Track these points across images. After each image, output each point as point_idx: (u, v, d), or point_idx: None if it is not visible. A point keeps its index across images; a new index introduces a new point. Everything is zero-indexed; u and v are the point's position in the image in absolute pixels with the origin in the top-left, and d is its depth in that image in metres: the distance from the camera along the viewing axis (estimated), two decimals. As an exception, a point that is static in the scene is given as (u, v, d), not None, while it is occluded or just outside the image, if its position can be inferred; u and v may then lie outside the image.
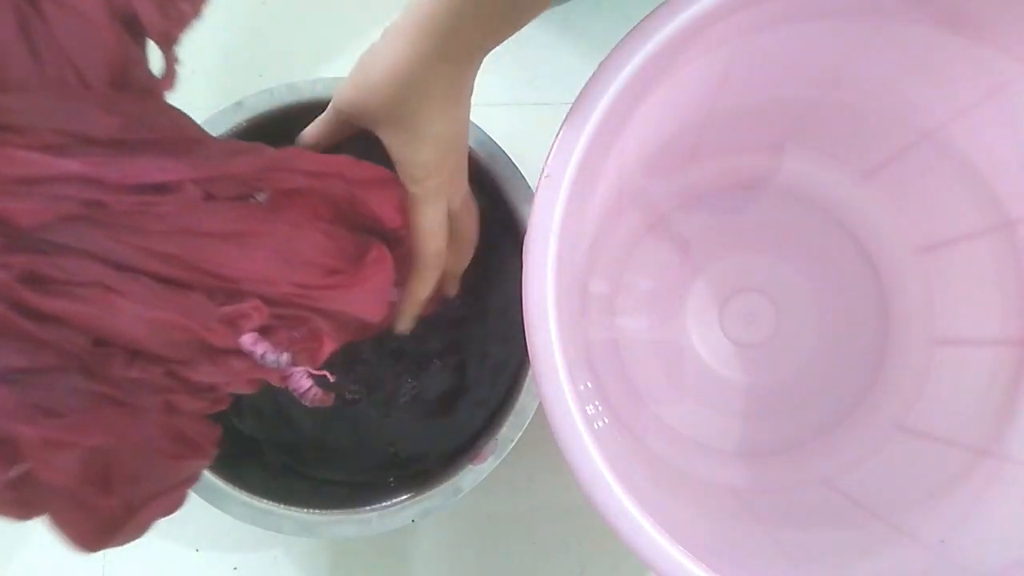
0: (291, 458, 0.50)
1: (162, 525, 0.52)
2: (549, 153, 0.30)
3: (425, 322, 0.43)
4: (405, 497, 0.44)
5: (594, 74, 0.30)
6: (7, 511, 0.25)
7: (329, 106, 0.34)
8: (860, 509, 0.42)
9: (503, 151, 0.45)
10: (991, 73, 0.35)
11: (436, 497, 0.44)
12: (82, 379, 0.24)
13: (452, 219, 0.37)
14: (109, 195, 0.24)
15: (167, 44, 0.27)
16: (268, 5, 0.57)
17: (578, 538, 0.52)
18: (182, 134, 0.27)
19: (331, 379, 0.31)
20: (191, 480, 0.30)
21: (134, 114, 0.25)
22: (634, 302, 0.51)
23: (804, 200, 0.50)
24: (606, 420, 0.44)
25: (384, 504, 0.44)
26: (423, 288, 0.38)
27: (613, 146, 0.34)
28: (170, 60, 0.27)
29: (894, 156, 0.45)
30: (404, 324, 0.40)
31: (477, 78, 0.56)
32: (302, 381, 0.30)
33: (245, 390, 0.29)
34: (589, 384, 0.45)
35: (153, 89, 0.27)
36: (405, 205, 0.34)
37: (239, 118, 0.44)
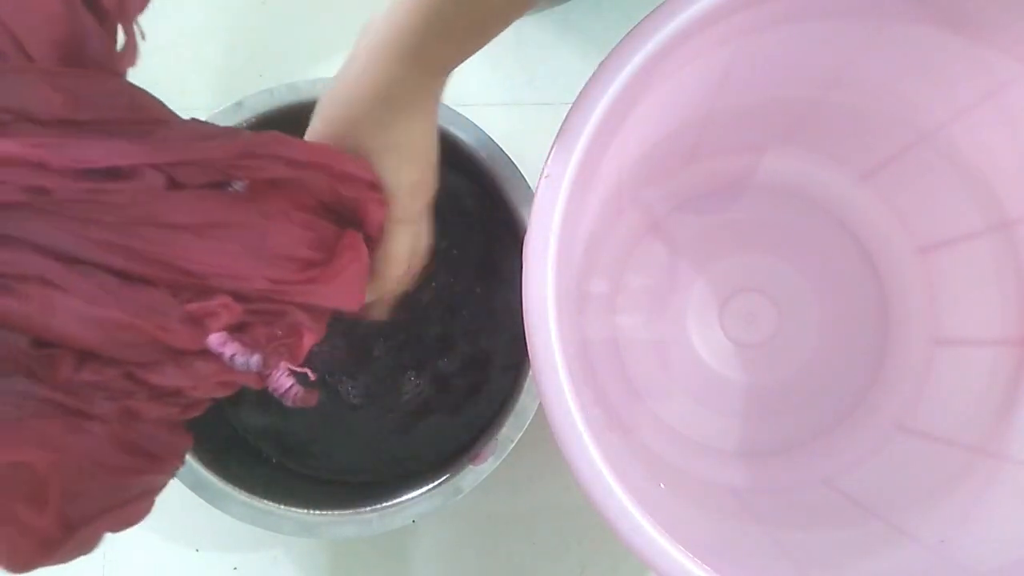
0: (291, 458, 0.50)
1: (162, 525, 0.53)
2: (549, 153, 0.30)
3: (426, 321, 0.43)
4: (405, 497, 0.44)
5: (594, 74, 0.30)
6: None
7: (309, 134, 0.32)
8: (860, 509, 0.42)
9: (503, 151, 0.45)
10: (991, 73, 0.35)
11: (436, 497, 0.44)
12: (25, 383, 0.22)
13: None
14: (54, 181, 0.21)
15: (124, 18, 0.24)
16: (268, 5, 0.57)
17: (578, 538, 0.52)
18: (143, 115, 0.24)
19: (312, 377, 0.29)
20: (150, 493, 0.27)
21: (85, 92, 0.22)
22: (634, 301, 0.51)
23: (804, 200, 0.50)
24: (606, 420, 0.44)
25: (384, 504, 0.44)
26: (368, 309, 0.36)
27: (613, 146, 0.34)
28: (129, 35, 0.25)
29: (894, 156, 0.45)
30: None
31: (477, 78, 0.56)
32: (282, 380, 0.28)
33: (217, 394, 0.27)
34: (589, 384, 0.45)
35: (112, 67, 0.25)
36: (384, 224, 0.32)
37: (239, 118, 0.44)
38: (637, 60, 0.29)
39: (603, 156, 0.33)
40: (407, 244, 0.33)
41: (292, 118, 0.42)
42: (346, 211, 0.30)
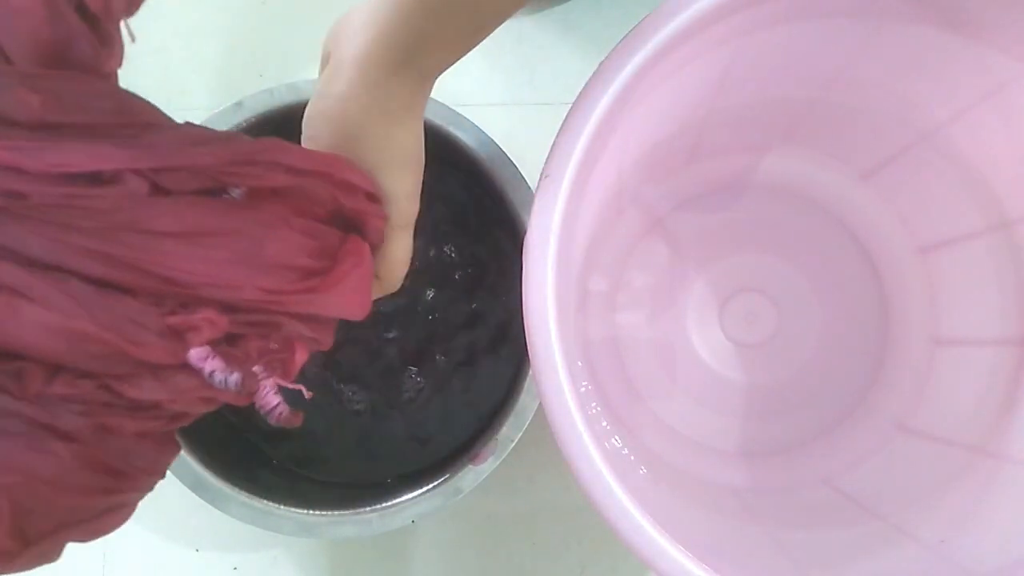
0: (291, 459, 0.50)
1: (162, 525, 0.53)
2: (549, 153, 0.30)
3: (427, 321, 0.43)
4: (405, 497, 0.44)
5: (594, 74, 0.30)
6: None
7: (303, 141, 0.31)
8: (860, 509, 0.42)
9: (503, 151, 0.45)
10: (991, 73, 0.35)
11: (436, 497, 0.44)
12: None
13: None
14: (31, 185, 0.21)
15: (109, 18, 0.24)
16: (268, 5, 0.57)
17: (578, 538, 0.53)
18: (130, 119, 0.23)
19: (308, 395, 0.29)
20: (124, 507, 0.26)
21: (68, 95, 0.22)
22: (634, 301, 0.51)
23: (804, 200, 0.50)
24: (606, 420, 0.44)
25: (384, 504, 0.44)
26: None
27: (613, 146, 0.34)
28: (113, 36, 0.24)
29: (894, 156, 0.45)
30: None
31: (477, 78, 0.56)
32: (269, 397, 0.27)
33: (199, 409, 0.26)
34: (589, 384, 0.45)
35: (99, 69, 0.24)
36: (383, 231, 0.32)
37: (239, 118, 0.44)
38: (637, 60, 0.29)
39: (603, 156, 0.33)
40: (408, 247, 0.33)
41: (292, 118, 0.42)
42: (346, 219, 0.30)
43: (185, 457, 0.43)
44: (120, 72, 0.26)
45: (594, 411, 0.44)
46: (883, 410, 0.47)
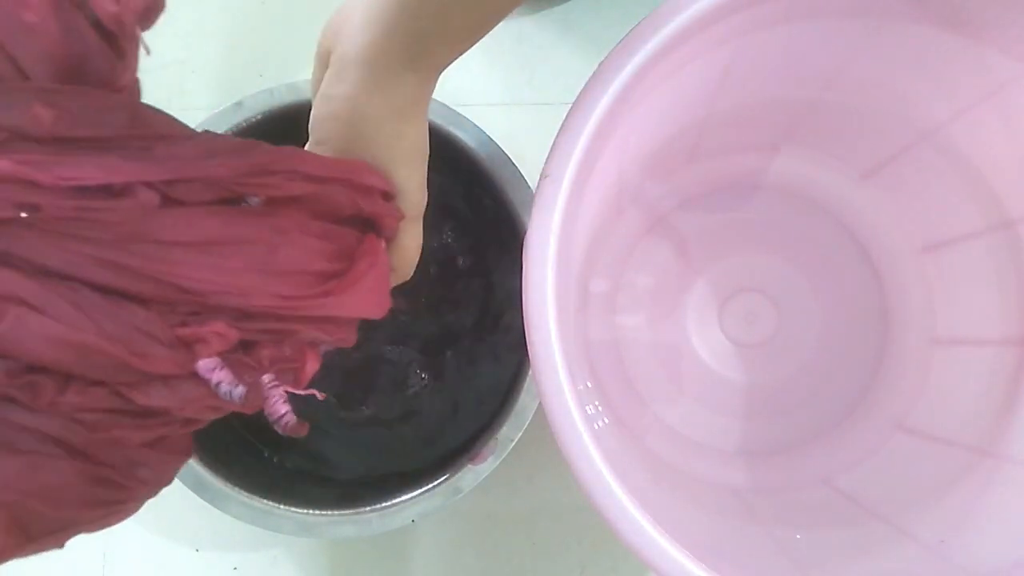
0: (291, 458, 0.50)
1: (162, 525, 0.53)
2: (549, 153, 0.30)
3: (427, 321, 0.43)
4: (405, 497, 0.44)
5: (594, 74, 0.30)
6: None
7: (312, 144, 0.31)
8: (860, 509, 0.42)
9: (503, 151, 0.45)
10: (991, 73, 0.35)
11: (436, 497, 0.44)
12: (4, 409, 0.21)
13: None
14: (45, 198, 0.21)
15: (122, 32, 0.24)
16: (268, 5, 0.57)
17: (578, 538, 0.52)
18: (143, 132, 0.24)
19: (320, 397, 0.29)
20: (127, 511, 0.26)
21: (82, 109, 0.22)
22: (634, 301, 0.51)
23: (804, 200, 0.50)
24: (606, 420, 0.44)
25: (384, 504, 0.44)
26: None
27: (613, 146, 0.34)
28: (128, 50, 0.25)
29: (894, 156, 0.45)
30: None
31: (477, 78, 0.56)
32: (278, 406, 0.27)
33: (207, 416, 0.26)
34: (589, 384, 0.45)
35: (114, 83, 0.24)
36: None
37: (239, 118, 0.44)
38: (637, 60, 0.29)
39: (603, 156, 0.33)
40: (419, 235, 0.33)
41: (292, 118, 0.42)
42: (363, 218, 0.30)
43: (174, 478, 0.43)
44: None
45: (594, 411, 0.44)
46: (883, 410, 0.47)
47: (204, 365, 0.25)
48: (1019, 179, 0.39)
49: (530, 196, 0.44)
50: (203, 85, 0.56)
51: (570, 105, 0.30)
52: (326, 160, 0.28)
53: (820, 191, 0.50)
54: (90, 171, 0.22)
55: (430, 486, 0.44)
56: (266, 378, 0.27)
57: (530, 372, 0.43)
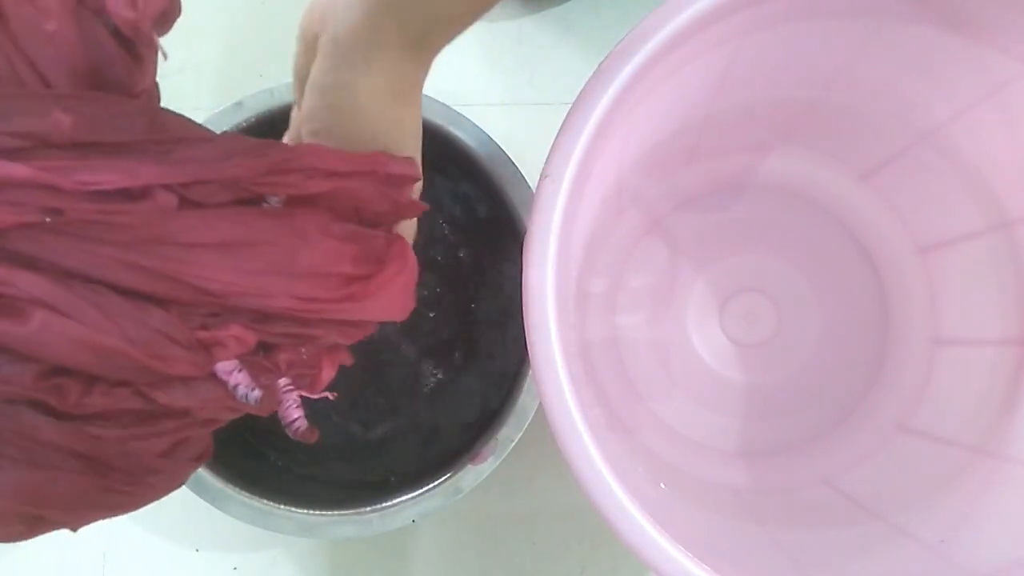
0: (291, 459, 0.50)
1: (162, 525, 0.53)
2: (549, 153, 0.30)
3: (426, 320, 0.43)
4: (405, 497, 0.44)
5: (594, 74, 0.30)
6: None
7: (306, 136, 0.30)
8: (860, 509, 0.42)
9: (503, 151, 0.45)
10: (991, 73, 0.35)
11: (436, 497, 0.44)
12: (31, 417, 0.22)
13: None
14: (67, 202, 0.22)
15: (139, 38, 0.24)
16: (268, 5, 0.57)
17: (578, 538, 0.52)
18: (160, 135, 0.24)
19: (331, 397, 0.29)
20: (122, 512, 0.27)
21: (101, 114, 0.23)
22: (634, 301, 0.51)
23: (804, 200, 0.50)
24: (606, 420, 0.44)
25: (384, 504, 0.44)
26: None
27: (613, 146, 0.34)
28: (144, 55, 0.25)
29: (894, 156, 0.45)
30: None
31: (477, 78, 0.56)
32: (290, 411, 0.27)
33: (225, 417, 0.27)
34: (589, 384, 0.45)
35: (132, 88, 0.25)
36: None
37: (239, 118, 0.44)
38: (637, 60, 0.29)
39: (603, 156, 0.33)
40: (415, 223, 0.33)
41: (292, 118, 0.43)
42: (389, 215, 0.30)
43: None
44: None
45: (594, 411, 0.44)
46: (883, 410, 0.47)
47: (222, 367, 0.25)
48: (1019, 179, 0.39)
49: (530, 196, 0.44)
50: (203, 85, 0.56)
51: (570, 105, 0.30)
52: (345, 154, 0.27)
53: (820, 191, 0.50)
54: (109, 175, 0.22)
55: (430, 486, 0.44)
56: (282, 382, 0.27)
57: (530, 372, 0.43)
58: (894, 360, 0.48)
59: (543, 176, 0.30)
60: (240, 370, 0.25)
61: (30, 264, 0.22)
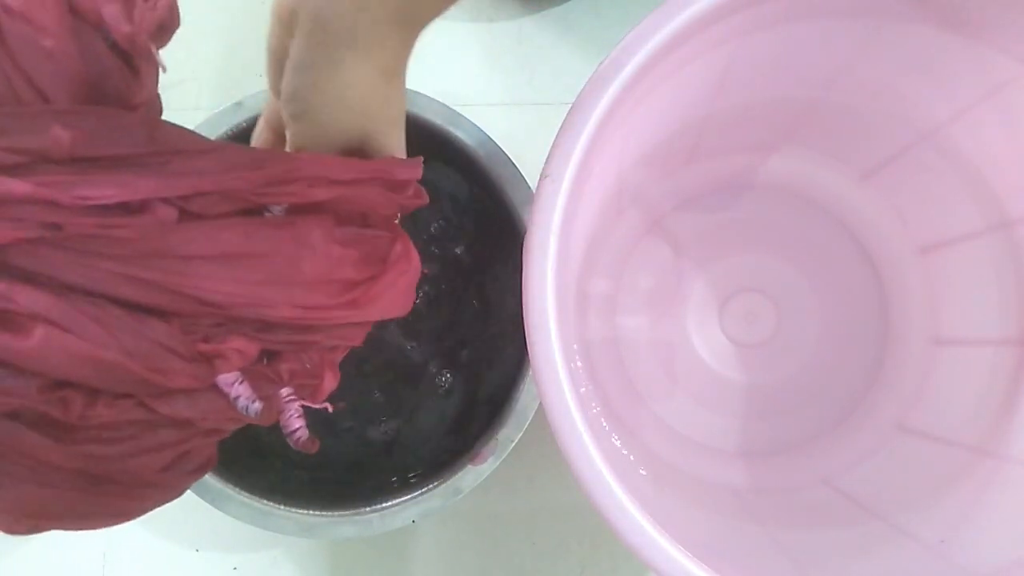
0: (291, 459, 0.50)
1: (162, 525, 0.53)
2: (549, 153, 0.30)
3: (427, 320, 0.43)
4: (405, 497, 0.44)
5: (594, 74, 0.30)
6: None
7: (292, 135, 0.28)
8: (860, 509, 0.42)
9: (503, 151, 0.45)
10: (991, 73, 0.35)
11: (436, 497, 0.44)
12: (34, 438, 0.22)
13: None
14: (66, 217, 0.22)
15: (136, 51, 0.24)
16: (268, 5, 0.57)
17: (578, 538, 0.52)
18: (158, 148, 0.24)
19: (330, 409, 0.29)
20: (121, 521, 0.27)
21: (100, 129, 0.23)
22: (634, 301, 0.51)
23: (804, 200, 0.50)
24: (606, 420, 0.44)
25: (384, 504, 0.44)
26: None
27: (613, 146, 0.34)
28: (142, 69, 0.25)
29: (894, 156, 0.45)
30: None
31: (477, 78, 0.56)
32: (292, 421, 0.27)
33: (228, 427, 0.27)
34: (589, 384, 0.45)
35: (130, 101, 0.25)
36: None
37: (239, 118, 0.44)
38: (637, 60, 0.29)
39: (603, 156, 0.33)
40: None
41: (292, 118, 0.42)
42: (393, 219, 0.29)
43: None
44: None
45: (594, 411, 0.44)
46: (883, 410, 0.47)
47: (224, 379, 0.25)
48: (1019, 179, 0.39)
49: (530, 196, 0.44)
50: (203, 85, 0.56)
51: (570, 105, 0.30)
52: (352, 162, 0.27)
53: (820, 191, 0.50)
54: (108, 190, 0.22)
55: (430, 486, 0.44)
56: (284, 392, 0.27)
57: (530, 372, 0.43)
58: (894, 360, 0.48)
59: (543, 176, 0.30)
60: (241, 382, 0.25)
61: (30, 279, 0.22)
